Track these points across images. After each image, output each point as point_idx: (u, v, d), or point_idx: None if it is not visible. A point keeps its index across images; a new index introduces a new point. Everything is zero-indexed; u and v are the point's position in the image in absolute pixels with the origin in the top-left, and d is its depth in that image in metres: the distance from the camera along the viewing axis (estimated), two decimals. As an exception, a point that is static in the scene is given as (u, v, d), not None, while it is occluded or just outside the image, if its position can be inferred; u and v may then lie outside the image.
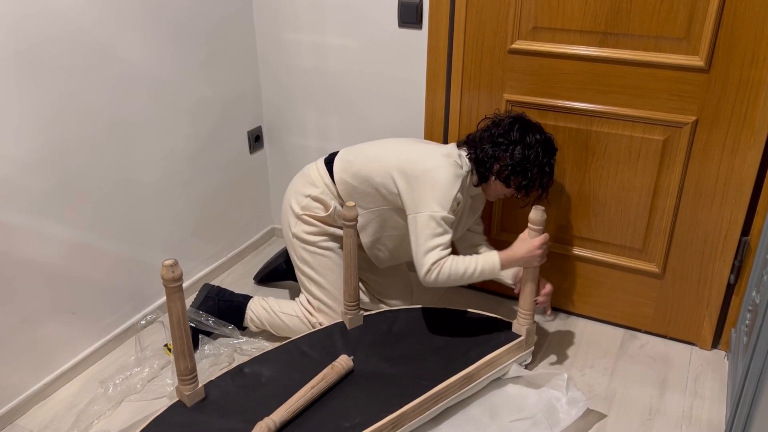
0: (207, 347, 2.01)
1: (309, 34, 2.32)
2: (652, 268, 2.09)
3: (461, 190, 1.81)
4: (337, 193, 1.98)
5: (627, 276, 2.15)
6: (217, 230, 2.47)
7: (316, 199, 1.98)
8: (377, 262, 2.11)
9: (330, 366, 1.74)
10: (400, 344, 1.90)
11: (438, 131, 2.24)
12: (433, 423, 1.76)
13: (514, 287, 1.98)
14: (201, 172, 2.31)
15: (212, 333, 2.07)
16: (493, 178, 1.87)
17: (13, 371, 1.78)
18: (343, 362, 1.76)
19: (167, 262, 1.49)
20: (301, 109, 2.47)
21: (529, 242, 1.80)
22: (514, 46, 2.01)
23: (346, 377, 1.76)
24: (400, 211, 1.92)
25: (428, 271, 1.75)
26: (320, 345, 1.88)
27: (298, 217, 2.00)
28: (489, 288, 2.40)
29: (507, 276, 1.98)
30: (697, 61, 1.80)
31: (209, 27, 2.21)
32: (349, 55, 2.28)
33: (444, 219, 1.77)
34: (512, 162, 1.82)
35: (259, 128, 2.56)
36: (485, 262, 1.78)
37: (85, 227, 1.90)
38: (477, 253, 2.03)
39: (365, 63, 2.26)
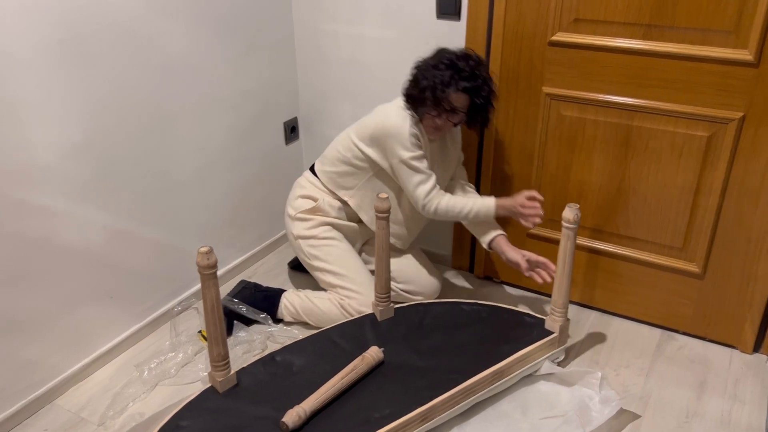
0: (241, 334, 2.03)
1: (347, 24, 2.31)
2: (692, 267, 2.04)
3: (415, 127, 1.93)
4: (324, 186, 2.11)
5: (666, 275, 2.09)
6: (252, 220, 2.49)
7: (304, 197, 2.13)
8: (398, 241, 2.15)
9: (360, 357, 1.74)
10: (431, 337, 1.89)
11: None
12: (463, 417, 1.75)
13: (489, 250, 2.12)
14: (238, 162, 2.33)
15: (247, 320, 2.09)
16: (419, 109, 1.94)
17: (53, 352, 1.82)
18: (374, 354, 1.76)
19: (202, 250, 1.51)
20: (337, 100, 2.47)
21: (519, 197, 1.92)
22: (554, 38, 1.97)
23: (377, 369, 1.76)
24: (382, 173, 2.04)
25: (425, 203, 1.96)
26: (351, 336, 1.88)
27: (294, 218, 2.13)
28: (523, 285, 2.37)
29: (485, 240, 2.10)
30: (746, 55, 1.74)
31: (249, 18, 2.22)
32: (387, 47, 2.27)
33: (413, 158, 1.92)
34: (412, 79, 1.94)
35: (295, 119, 2.57)
36: (482, 205, 1.97)
37: (124, 214, 1.94)
38: (470, 194, 2.17)
39: (402, 54, 2.25)
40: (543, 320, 1.94)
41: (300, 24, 2.42)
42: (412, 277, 2.15)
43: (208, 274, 1.54)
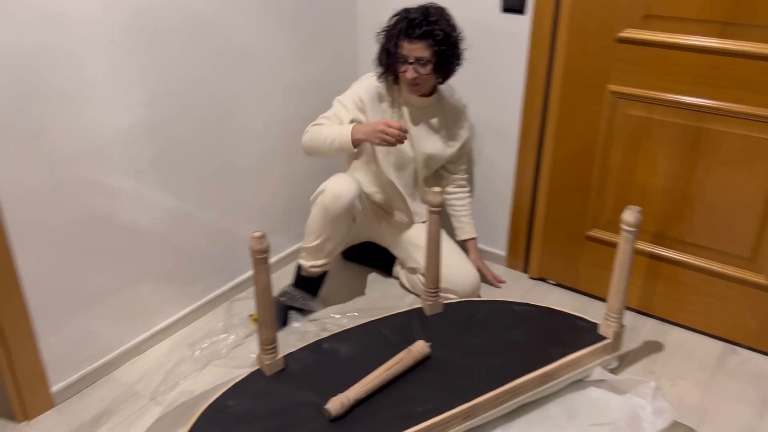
0: (295, 324, 2.06)
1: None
2: (760, 279, 1.94)
3: (368, 91, 2.03)
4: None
5: (731, 286, 2.00)
6: (307, 209, 2.51)
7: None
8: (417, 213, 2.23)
9: (406, 350, 1.74)
10: (479, 335, 1.87)
11: (535, 120, 2.17)
12: (508, 418, 1.72)
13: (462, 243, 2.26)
14: (296, 151, 2.36)
15: (303, 310, 2.11)
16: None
17: (112, 326, 1.90)
18: (420, 348, 1.75)
19: (256, 234, 1.54)
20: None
21: (376, 123, 1.89)
22: (623, 34, 1.91)
23: (422, 363, 1.75)
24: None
25: (304, 133, 2.02)
26: (398, 328, 1.88)
27: None
28: (579, 288, 2.30)
29: (459, 233, 2.29)
30: (831, 55, 1.64)
31: (314, 10, 2.24)
32: (449, 40, 2.25)
33: (338, 101, 2.05)
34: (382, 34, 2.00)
35: (355, 110, 2.58)
36: (340, 130, 1.95)
37: (185, 197, 2.00)
38: (453, 195, 2.30)
39: (470, 50, 2.22)
40: (596, 325, 1.89)
41: (363, 17, 2.43)
42: (445, 274, 2.10)
43: (260, 258, 1.56)
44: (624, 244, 1.74)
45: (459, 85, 2.29)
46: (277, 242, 2.41)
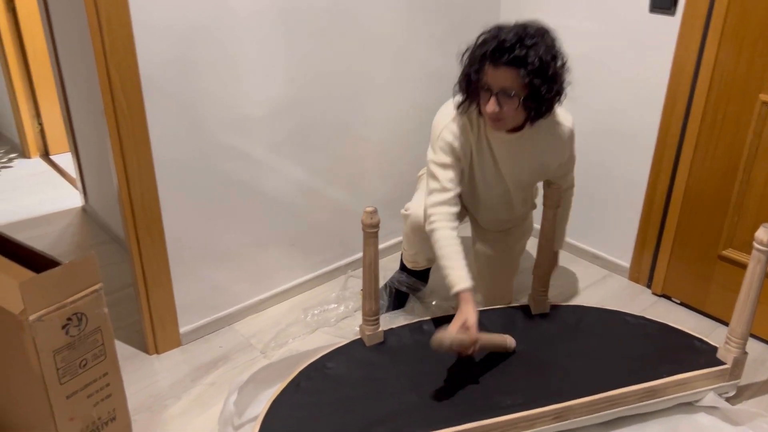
0: (413, 305, 2.13)
1: (553, 15, 2.27)
2: None
3: (456, 127, 1.70)
4: None
5: None
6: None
7: None
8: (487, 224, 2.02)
9: (507, 337, 1.74)
10: (584, 340, 1.82)
11: (675, 127, 2.05)
12: (604, 427, 1.66)
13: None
14: (421, 140, 2.42)
15: (410, 294, 2.17)
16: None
17: (238, 282, 2.08)
18: (511, 342, 1.74)
19: (368, 209, 1.62)
20: (533, 91, 2.44)
21: (456, 323, 1.57)
22: (782, 40, 1.76)
23: (509, 356, 1.74)
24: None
25: (427, 215, 1.72)
26: (500, 321, 1.88)
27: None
28: (706, 310, 2.15)
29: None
30: None
31: (456, 3, 2.29)
32: (590, 40, 2.20)
33: (435, 163, 1.71)
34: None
35: (488, 106, 2.59)
36: (455, 277, 1.62)
37: (314, 173, 2.13)
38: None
39: (606, 49, 2.16)
40: (716, 348, 1.76)
41: (506, 13, 2.43)
42: (488, 292, 2.04)
43: (370, 232, 1.64)
44: (755, 264, 1.61)
45: (597, 85, 2.22)
46: (394, 227, 2.48)
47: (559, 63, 1.58)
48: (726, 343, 1.72)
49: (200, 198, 1.90)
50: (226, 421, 1.60)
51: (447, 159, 1.70)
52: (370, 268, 1.68)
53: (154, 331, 1.94)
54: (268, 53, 1.88)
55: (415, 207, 1.86)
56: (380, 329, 1.78)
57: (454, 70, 2.38)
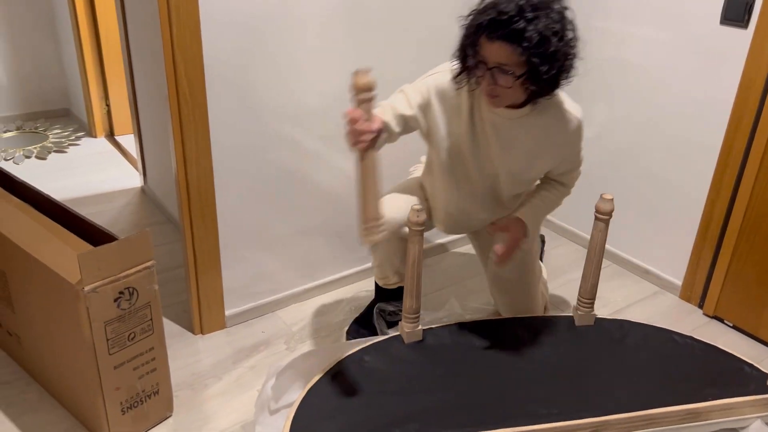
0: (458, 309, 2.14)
1: (619, 21, 2.23)
2: None
3: (440, 88, 1.61)
4: None
5: None
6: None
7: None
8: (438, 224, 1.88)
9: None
10: (628, 356, 1.78)
11: (740, 144, 1.98)
12: (640, 447, 1.62)
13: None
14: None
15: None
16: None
17: (285, 270, 2.12)
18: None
19: (415, 207, 1.62)
20: (593, 100, 2.39)
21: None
22: None
23: (549, 366, 1.71)
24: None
25: None
26: (541, 331, 1.85)
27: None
28: (761, 336, 2.07)
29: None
30: None
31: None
32: (655, 49, 2.14)
33: (401, 90, 1.63)
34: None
35: (546, 111, 2.56)
36: None
37: (365, 166, 2.15)
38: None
39: (672, 59, 2.10)
40: (766, 375, 1.70)
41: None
42: (510, 303, 1.94)
43: (416, 230, 1.65)
44: (815, 291, 1.54)
45: (658, 96, 2.17)
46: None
47: (563, 40, 1.42)
48: (778, 371, 1.65)
49: (253, 185, 1.94)
50: (263, 405, 1.64)
51: (412, 96, 1.62)
52: (414, 266, 1.69)
53: (201, 312, 2.00)
54: (327, 47, 1.91)
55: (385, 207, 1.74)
56: (419, 328, 1.78)
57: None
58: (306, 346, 1.97)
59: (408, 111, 1.62)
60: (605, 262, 2.49)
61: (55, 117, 4.12)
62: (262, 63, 1.81)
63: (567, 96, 1.64)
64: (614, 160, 2.38)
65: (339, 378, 1.64)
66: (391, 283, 1.93)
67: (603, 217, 1.75)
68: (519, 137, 1.63)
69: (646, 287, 2.35)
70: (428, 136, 1.70)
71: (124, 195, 3.03)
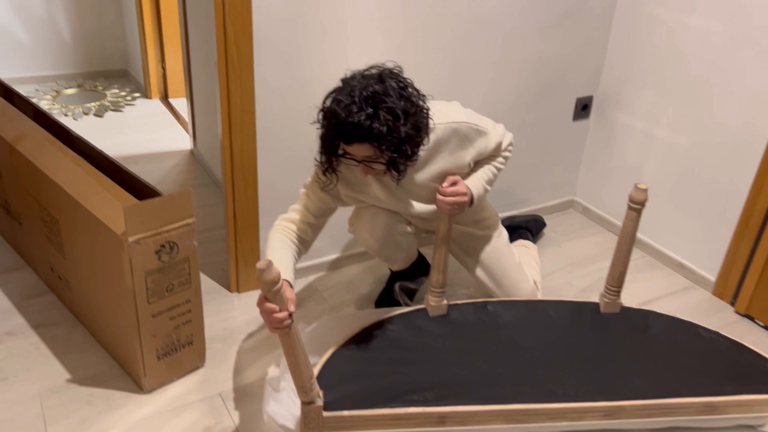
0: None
1: (674, 11, 2.18)
2: None
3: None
4: None
5: None
6: (516, 183, 2.57)
7: None
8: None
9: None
10: (650, 346, 1.78)
11: (785, 143, 1.94)
12: (655, 434, 1.64)
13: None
14: (519, 122, 2.42)
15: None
16: None
17: (320, 238, 2.13)
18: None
19: (452, 178, 1.65)
20: (639, 87, 2.37)
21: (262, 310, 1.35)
22: None
23: (569, 349, 1.74)
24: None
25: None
26: (568, 314, 1.87)
27: None
28: (791, 337, 2.05)
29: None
30: None
31: (570, -13, 2.25)
32: (710, 40, 2.10)
33: (304, 186, 1.70)
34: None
35: (590, 98, 2.54)
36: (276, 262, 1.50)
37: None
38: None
39: (727, 50, 2.06)
40: (790, 376, 1.68)
41: (623, 3, 2.35)
42: (507, 286, 1.97)
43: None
44: None
45: (712, 89, 2.13)
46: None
47: (409, 116, 1.45)
48: (802, 372, 1.64)
49: (294, 152, 2.00)
50: (289, 363, 1.72)
51: (311, 191, 1.68)
52: (443, 241, 1.73)
53: (238, 272, 2.09)
54: (376, 20, 1.94)
55: (361, 231, 1.80)
56: (444, 302, 1.83)
57: (559, 58, 2.36)
58: (334, 312, 2.04)
59: (312, 204, 1.68)
60: (640, 253, 2.48)
61: (114, 77, 4.28)
62: (310, 32, 1.86)
63: (437, 109, 1.63)
64: (655, 150, 2.35)
65: (363, 344, 1.71)
66: (396, 268, 1.96)
67: (635, 207, 1.75)
68: (425, 175, 1.68)
69: (678, 281, 2.33)
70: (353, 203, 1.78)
71: (174, 156, 3.15)
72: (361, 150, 1.46)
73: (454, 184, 1.66)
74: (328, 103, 1.47)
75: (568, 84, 2.45)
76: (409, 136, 1.45)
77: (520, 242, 2.32)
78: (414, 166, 1.58)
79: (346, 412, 1.49)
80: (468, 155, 1.71)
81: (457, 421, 1.54)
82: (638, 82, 2.37)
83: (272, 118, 1.92)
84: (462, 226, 1.92)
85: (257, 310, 1.95)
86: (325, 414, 1.48)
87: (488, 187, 1.78)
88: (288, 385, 1.62)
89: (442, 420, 1.53)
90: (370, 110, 1.40)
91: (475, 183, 1.74)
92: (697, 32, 2.13)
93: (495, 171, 1.80)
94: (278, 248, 1.58)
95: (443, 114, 1.65)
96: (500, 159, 1.82)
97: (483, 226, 1.94)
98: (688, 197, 2.28)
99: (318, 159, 1.58)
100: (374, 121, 1.40)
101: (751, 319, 2.15)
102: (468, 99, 2.24)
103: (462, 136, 1.68)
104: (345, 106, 1.41)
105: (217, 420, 1.63)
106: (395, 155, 1.46)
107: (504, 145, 1.80)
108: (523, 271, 2.01)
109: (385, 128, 1.41)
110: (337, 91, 1.47)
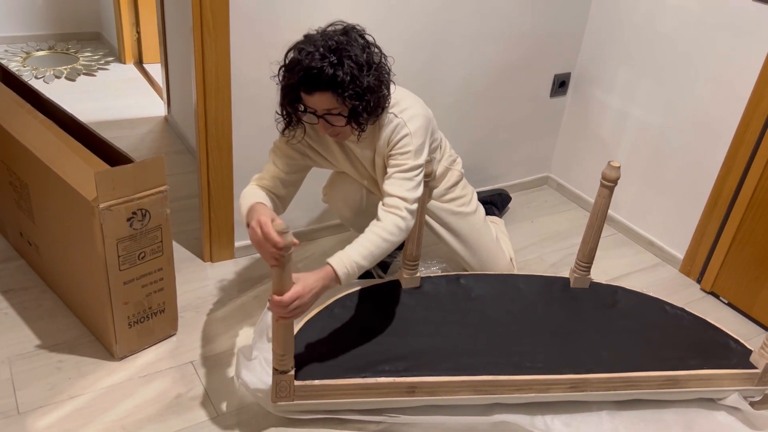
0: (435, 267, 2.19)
1: (651, -11, 2.19)
2: None
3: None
4: None
5: None
6: (492, 158, 2.58)
7: None
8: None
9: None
10: (617, 321, 1.83)
11: (757, 122, 1.97)
12: (618, 405, 1.69)
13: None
14: (496, 98, 2.42)
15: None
16: None
17: (294, 210, 2.15)
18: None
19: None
20: (616, 64, 2.38)
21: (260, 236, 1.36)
22: None
23: (540, 323, 1.77)
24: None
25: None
26: (537, 288, 1.91)
27: None
28: (754, 316, 2.10)
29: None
30: None
31: (551, -38, 2.24)
32: (686, 19, 2.11)
33: (274, 142, 1.69)
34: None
35: (568, 75, 2.54)
36: (247, 207, 1.52)
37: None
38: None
39: (701, 30, 2.07)
40: (750, 352, 1.74)
41: (604, -20, 2.35)
42: (483, 260, 2.00)
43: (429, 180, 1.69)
44: (807, 274, 1.56)
45: (685, 67, 2.15)
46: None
47: (371, 67, 1.46)
48: (762, 348, 1.69)
49: (270, 122, 1.97)
50: (262, 332, 1.72)
51: (279, 148, 1.68)
52: (419, 212, 1.74)
53: (211, 241, 2.08)
54: (354, -9, 1.92)
55: (333, 199, 1.89)
56: (417, 275, 1.84)
57: (539, 34, 2.36)
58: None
59: (278, 163, 1.67)
60: (611, 230, 2.52)
61: (87, 40, 4.17)
62: (285, 2, 1.83)
63: (404, 98, 1.63)
64: (630, 129, 2.38)
65: (336, 314, 1.72)
66: None
67: (608, 184, 1.77)
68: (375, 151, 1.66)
69: (647, 258, 2.38)
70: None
71: (147, 122, 3.10)
72: (322, 101, 1.46)
73: (298, 297, 1.38)
74: (291, 54, 1.46)
75: (546, 61, 2.45)
76: (371, 88, 1.46)
77: (488, 218, 2.33)
78: (373, 124, 1.57)
79: (317, 381, 1.51)
80: (383, 152, 1.63)
81: (426, 392, 1.56)
82: (616, 60, 2.38)
83: (248, 86, 1.89)
84: (439, 202, 1.93)
85: (230, 280, 1.94)
86: (297, 383, 1.49)
87: (365, 265, 1.48)
88: (260, 354, 1.63)
89: (411, 390, 1.55)
90: (333, 59, 1.41)
91: (348, 261, 1.45)
92: (674, 12, 2.14)
93: (381, 244, 1.50)
94: (251, 194, 1.58)
95: (403, 109, 1.61)
96: (391, 228, 1.52)
97: (460, 203, 1.95)
98: (659, 176, 2.31)
99: (279, 112, 1.57)
100: (337, 69, 1.41)
101: (716, 296, 2.20)
102: (445, 73, 2.24)
103: (394, 134, 1.59)
104: (308, 53, 1.42)
105: (189, 387, 1.64)
106: (357, 104, 1.45)
107: (402, 204, 1.54)
108: (500, 247, 2.03)
109: (348, 77, 1.42)
110: (299, 42, 1.47)
